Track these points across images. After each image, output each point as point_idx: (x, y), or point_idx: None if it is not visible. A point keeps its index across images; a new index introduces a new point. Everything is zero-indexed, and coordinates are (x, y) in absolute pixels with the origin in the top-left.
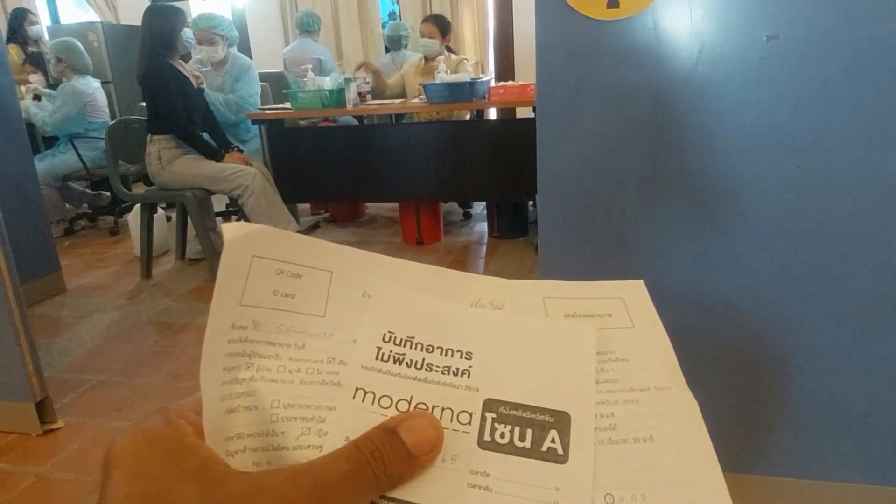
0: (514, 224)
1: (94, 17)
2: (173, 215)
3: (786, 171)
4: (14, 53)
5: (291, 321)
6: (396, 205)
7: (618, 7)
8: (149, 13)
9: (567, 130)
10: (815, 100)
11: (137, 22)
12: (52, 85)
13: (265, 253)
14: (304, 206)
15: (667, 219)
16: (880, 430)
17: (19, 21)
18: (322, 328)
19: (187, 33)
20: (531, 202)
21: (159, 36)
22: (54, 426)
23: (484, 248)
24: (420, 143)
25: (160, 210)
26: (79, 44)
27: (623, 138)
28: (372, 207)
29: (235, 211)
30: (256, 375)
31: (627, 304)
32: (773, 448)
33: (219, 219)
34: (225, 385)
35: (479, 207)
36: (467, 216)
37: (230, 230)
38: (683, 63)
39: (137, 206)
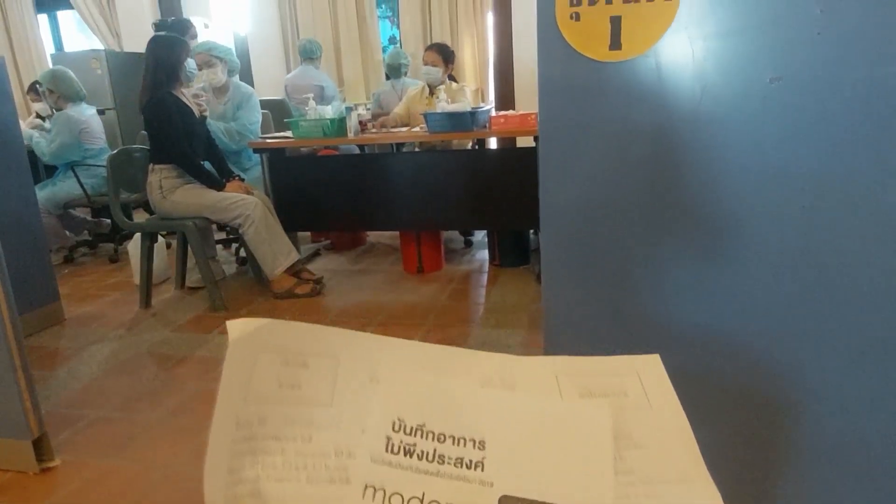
0: (515, 252)
1: (97, 44)
2: (173, 242)
3: (791, 208)
4: None
5: (298, 413)
6: (397, 232)
7: (620, 49)
8: (153, 43)
9: (570, 168)
10: (819, 138)
11: (140, 49)
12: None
13: (270, 347)
14: (305, 234)
15: (671, 256)
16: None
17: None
18: (329, 418)
19: (190, 63)
20: (532, 230)
21: (163, 66)
22: (51, 464)
23: (485, 276)
24: (421, 172)
25: (160, 238)
26: (67, 71)
27: (626, 176)
28: (372, 235)
29: (235, 239)
30: (262, 474)
31: (643, 380)
32: (782, 494)
33: (219, 246)
34: (230, 487)
35: (480, 235)
36: (468, 244)
37: (235, 328)
38: (686, 102)
39: (138, 235)
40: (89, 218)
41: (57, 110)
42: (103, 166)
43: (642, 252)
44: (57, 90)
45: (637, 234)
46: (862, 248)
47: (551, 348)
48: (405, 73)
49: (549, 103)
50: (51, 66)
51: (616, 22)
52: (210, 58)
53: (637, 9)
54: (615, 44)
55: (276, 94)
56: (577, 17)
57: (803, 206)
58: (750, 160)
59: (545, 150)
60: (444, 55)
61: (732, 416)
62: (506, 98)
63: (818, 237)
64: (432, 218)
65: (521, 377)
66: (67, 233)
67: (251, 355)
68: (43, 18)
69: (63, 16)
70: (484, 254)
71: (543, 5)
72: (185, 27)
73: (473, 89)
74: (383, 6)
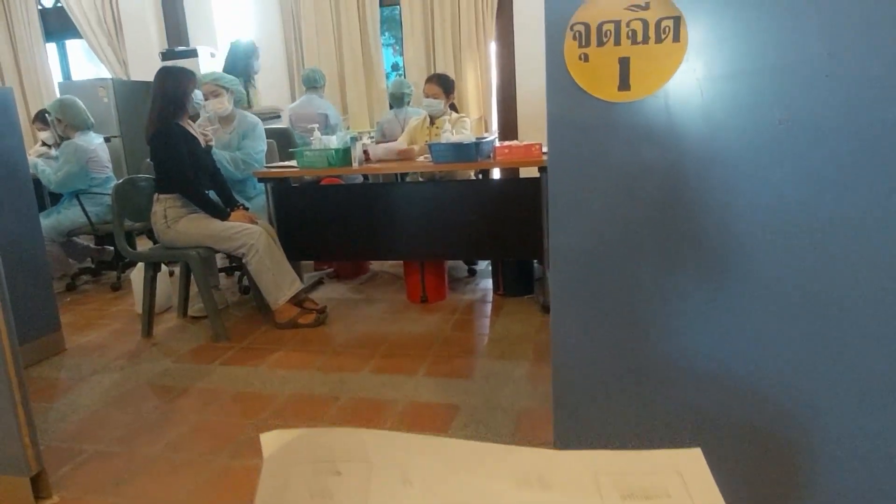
0: (519, 281)
1: (104, 72)
2: (176, 270)
3: (801, 249)
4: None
5: None
6: (400, 261)
7: (629, 90)
8: (162, 74)
9: (579, 207)
10: (828, 178)
11: (146, 78)
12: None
13: (303, 458)
14: (308, 262)
15: (681, 294)
16: None
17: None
18: None
19: (197, 95)
20: (536, 260)
21: (171, 97)
22: (49, 502)
23: (489, 306)
24: (425, 201)
25: (163, 266)
26: (75, 100)
27: (636, 215)
28: (376, 263)
29: (238, 267)
30: None
31: (686, 478)
32: None
33: (221, 274)
34: None
35: (484, 264)
36: (472, 272)
37: (269, 443)
38: (696, 143)
39: (141, 263)
40: (92, 245)
41: (65, 139)
42: (108, 194)
43: (652, 290)
44: (65, 119)
45: (647, 272)
46: (872, 287)
47: (560, 387)
48: (408, 103)
49: (558, 143)
50: (58, 94)
51: (625, 63)
52: (217, 87)
53: (646, 50)
54: (624, 84)
55: (280, 123)
56: (586, 58)
57: (814, 245)
58: (760, 200)
59: (554, 189)
60: (445, 86)
61: (744, 455)
62: (509, 127)
63: (829, 275)
64: (436, 247)
65: (558, 476)
66: (70, 260)
67: (284, 470)
68: (52, 47)
69: (71, 44)
70: (488, 283)
71: (552, 46)
72: (252, 52)
73: (476, 118)
74: (386, 34)
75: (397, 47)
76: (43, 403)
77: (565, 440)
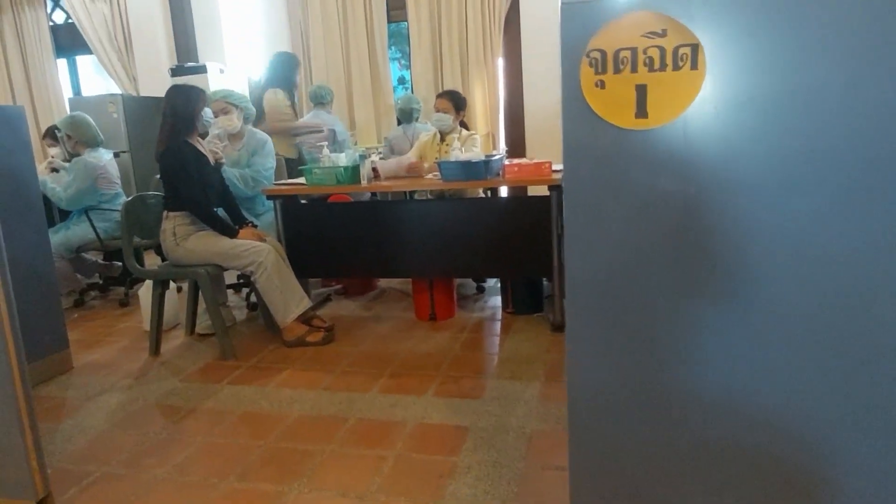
0: (528, 299)
1: (114, 87)
2: (184, 286)
3: (824, 280)
4: (281, 97)
5: None
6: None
7: (646, 117)
8: (172, 92)
9: (595, 235)
10: (849, 208)
11: (156, 93)
12: (70, 158)
13: None
14: (316, 279)
15: (699, 325)
16: None
17: (291, 67)
18: None
19: (207, 112)
20: (545, 278)
21: (181, 115)
22: None
23: (498, 324)
24: (434, 219)
25: (171, 283)
26: (86, 117)
27: (653, 244)
28: (384, 280)
29: (246, 284)
30: None
31: None
32: None
33: (229, 291)
34: None
35: (493, 280)
36: (481, 290)
37: None
38: (714, 171)
39: (149, 280)
40: (100, 261)
41: (74, 155)
42: (117, 210)
43: (670, 318)
44: (75, 135)
45: (664, 300)
46: (894, 317)
47: (576, 414)
48: (416, 119)
49: (574, 170)
50: (68, 109)
51: (642, 90)
52: (227, 105)
53: (663, 78)
54: (641, 112)
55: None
56: (603, 84)
57: (835, 275)
58: (780, 228)
59: (570, 216)
60: (456, 102)
61: (763, 487)
62: (516, 143)
63: (850, 305)
64: (445, 265)
65: None
66: (79, 276)
67: None
68: (62, 63)
69: (81, 60)
70: (497, 300)
71: (568, 73)
72: (295, 63)
73: (484, 134)
74: (393, 48)
75: (403, 61)
76: (50, 424)
77: (581, 467)
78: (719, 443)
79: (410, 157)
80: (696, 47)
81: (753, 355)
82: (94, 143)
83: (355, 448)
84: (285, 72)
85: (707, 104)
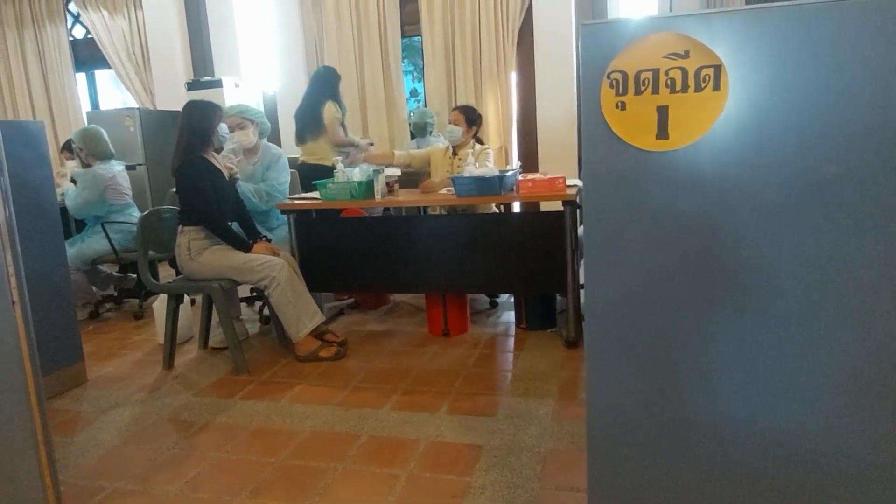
0: (542, 315)
1: (131, 100)
2: (197, 299)
3: (852, 307)
4: (336, 110)
5: None
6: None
7: (667, 138)
8: (188, 108)
9: (615, 257)
10: (878, 236)
11: (172, 107)
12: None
13: None
14: (329, 293)
15: (722, 349)
16: None
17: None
18: None
19: (223, 128)
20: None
21: (197, 131)
22: None
23: (512, 340)
24: (447, 234)
25: (185, 297)
26: (98, 130)
27: (674, 265)
28: (396, 294)
29: (259, 297)
30: None
31: None
32: None
33: (242, 304)
34: None
35: (506, 295)
36: (494, 305)
37: None
38: (738, 193)
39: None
40: (115, 273)
41: (86, 167)
42: (131, 223)
43: (691, 342)
44: (86, 148)
45: (685, 323)
46: None
47: (596, 437)
48: (430, 132)
49: (594, 191)
50: (86, 123)
51: (663, 112)
52: (242, 120)
53: (685, 99)
54: (662, 133)
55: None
56: (623, 106)
57: (863, 302)
58: (806, 254)
59: (590, 238)
60: (469, 117)
61: None
62: (529, 157)
63: (880, 334)
64: (458, 280)
65: None
66: (94, 288)
67: None
68: (81, 77)
69: (100, 74)
70: (510, 315)
71: (588, 94)
72: (337, 77)
73: (497, 147)
74: (406, 61)
75: (416, 74)
76: (64, 438)
77: (599, 490)
78: (742, 467)
79: (418, 153)
80: (718, 68)
81: (775, 377)
82: (104, 156)
83: (367, 466)
84: (334, 85)
85: (730, 126)
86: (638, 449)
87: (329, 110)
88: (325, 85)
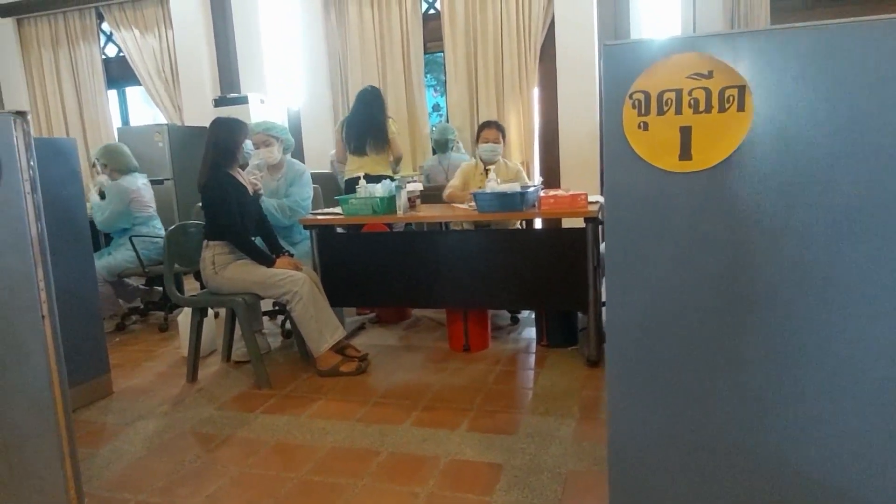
0: (563, 332)
1: (160, 116)
2: (221, 312)
3: (885, 332)
4: (394, 126)
5: None
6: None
7: (691, 159)
8: (215, 125)
9: (637, 278)
10: None
11: (199, 123)
12: None
13: None
14: (350, 307)
15: (746, 374)
16: None
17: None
18: None
19: (248, 144)
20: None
21: (223, 148)
22: None
23: (532, 357)
24: (469, 250)
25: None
26: (120, 146)
27: (697, 289)
28: (417, 309)
29: (281, 311)
30: None
31: None
32: None
33: (265, 318)
34: None
35: (527, 312)
36: (515, 321)
37: None
38: (764, 216)
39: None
40: (142, 286)
41: (112, 181)
42: (155, 236)
43: (714, 366)
44: (110, 164)
45: (709, 347)
46: None
47: (617, 461)
48: (452, 148)
49: (616, 212)
50: (116, 138)
51: (686, 132)
52: (268, 137)
53: (708, 119)
54: (685, 154)
55: (326, 168)
56: (646, 126)
57: (891, 329)
58: (833, 276)
59: (612, 259)
60: (503, 133)
61: None
62: (551, 172)
63: None
64: (479, 296)
65: None
66: (120, 301)
67: None
68: (112, 94)
69: (130, 90)
70: (531, 332)
71: (610, 114)
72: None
73: (519, 162)
74: (428, 76)
75: (438, 88)
76: (89, 449)
77: None
78: (768, 497)
79: (455, 183)
80: (742, 89)
81: (806, 405)
82: (127, 169)
83: (387, 483)
84: (381, 105)
85: (755, 147)
86: (661, 474)
87: (391, 126)
88: (384, 104)
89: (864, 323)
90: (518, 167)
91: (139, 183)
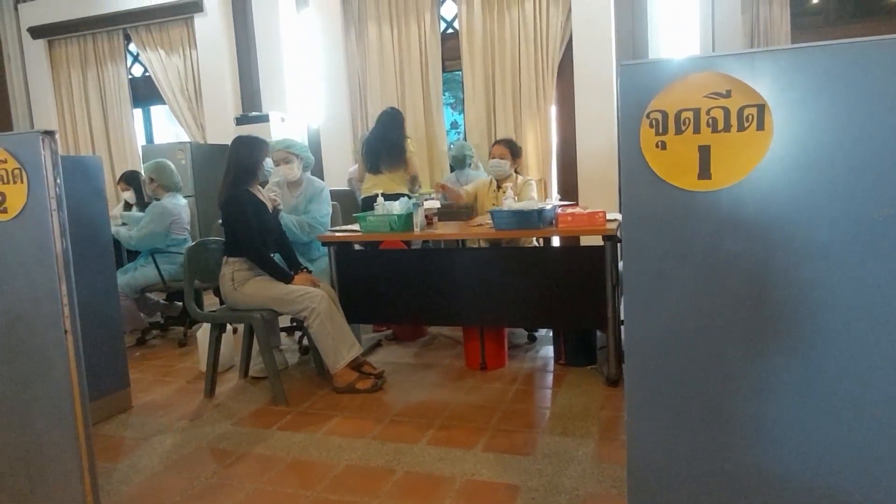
0: (581, 351)
1: (183, 134)
2: (239, 328)
3: None
4: (412, 145)
5: None
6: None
7: (710, 178)
8: (236, 144)
9: (657, 298)
10: None
11: (221, 141)
12: (145, 203)
13: None
14: (367, 324)
15: (768, 395)
16: None
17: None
18: None
19: (268, 162)
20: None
21: (243, 166)
22: None
23: (550, 376)
24: (486, 267)
25: (227, 325)
26: (170, 164)
27: (718, 309)
28: (434, 327)
29: (299, 327)
30: None
31: None
32: None
33: (282, 333)
34: None
35: (545, 330)
36: (532, 339)
37: None
38: (785, 235)
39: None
40: (162, 301)
41: (154, 199)
42: (181, 254)
43: (735, 387)
44: (158, 179)
45: (731, 368)
46: None
47: (636, 487)
48: (469, 165)
49: (634, 231)
50: (141, 156)
51: (705, 151)
52: (288, 154)
53: (727, 139)
54: (704, 173)
55: (345, 185)
56: (664, 145)
57: None
58: (856, 295)
59: (630, 280)
60: (512, 150)
61: None
62: (568, 188)
63: None
64: (496, 314)
65: None
66: (141, 315)
67: None
68: (137, 112)
69: (155, 109)
70: (548, 350)
71: (627, 133)
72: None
73: (536, 180)
74: (447, 93)
75: (456, 106)
76: (107, 464)
77: None
78: None
79: (468, 189)
80: (762, 108)
81: (830, 427)
82: (174, 188)
83: (402, 503)
84: (400, 126)
85: (776, 166)
86: (681, 498)
87: (410, 146)
88: (401, 124)
89: (890, 344)
90: (527, 180)
91: (181, 205)
